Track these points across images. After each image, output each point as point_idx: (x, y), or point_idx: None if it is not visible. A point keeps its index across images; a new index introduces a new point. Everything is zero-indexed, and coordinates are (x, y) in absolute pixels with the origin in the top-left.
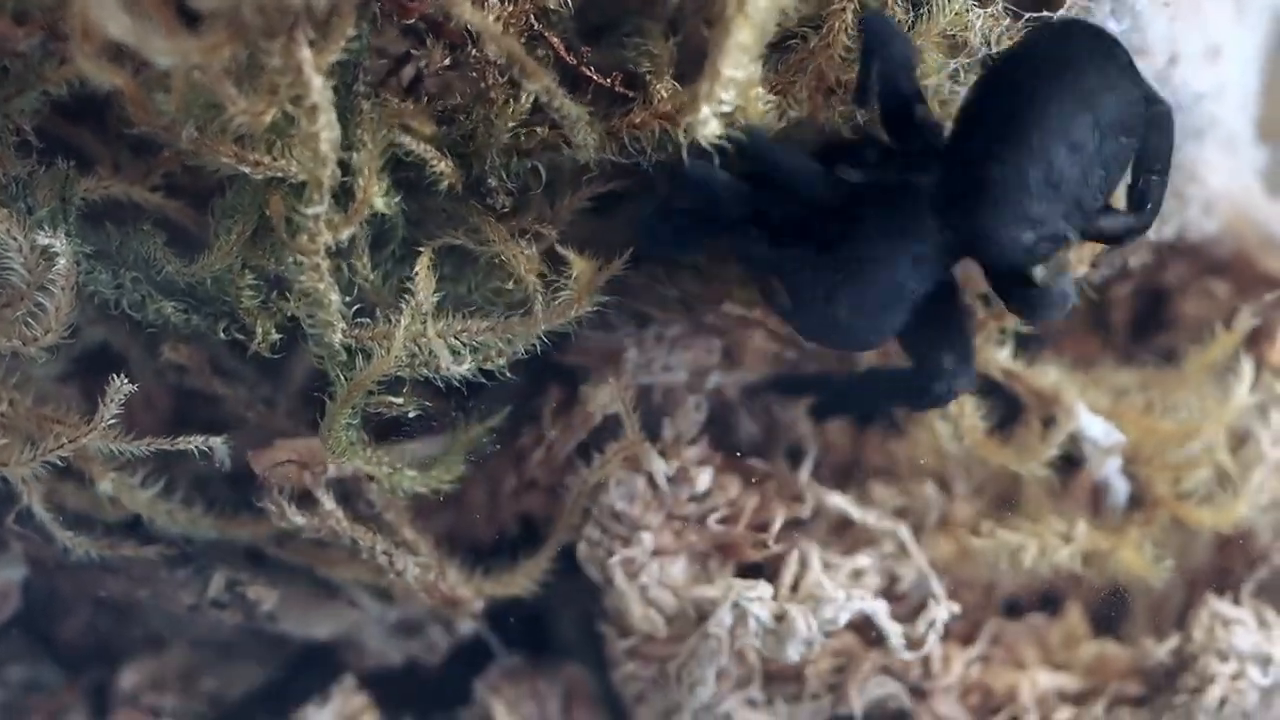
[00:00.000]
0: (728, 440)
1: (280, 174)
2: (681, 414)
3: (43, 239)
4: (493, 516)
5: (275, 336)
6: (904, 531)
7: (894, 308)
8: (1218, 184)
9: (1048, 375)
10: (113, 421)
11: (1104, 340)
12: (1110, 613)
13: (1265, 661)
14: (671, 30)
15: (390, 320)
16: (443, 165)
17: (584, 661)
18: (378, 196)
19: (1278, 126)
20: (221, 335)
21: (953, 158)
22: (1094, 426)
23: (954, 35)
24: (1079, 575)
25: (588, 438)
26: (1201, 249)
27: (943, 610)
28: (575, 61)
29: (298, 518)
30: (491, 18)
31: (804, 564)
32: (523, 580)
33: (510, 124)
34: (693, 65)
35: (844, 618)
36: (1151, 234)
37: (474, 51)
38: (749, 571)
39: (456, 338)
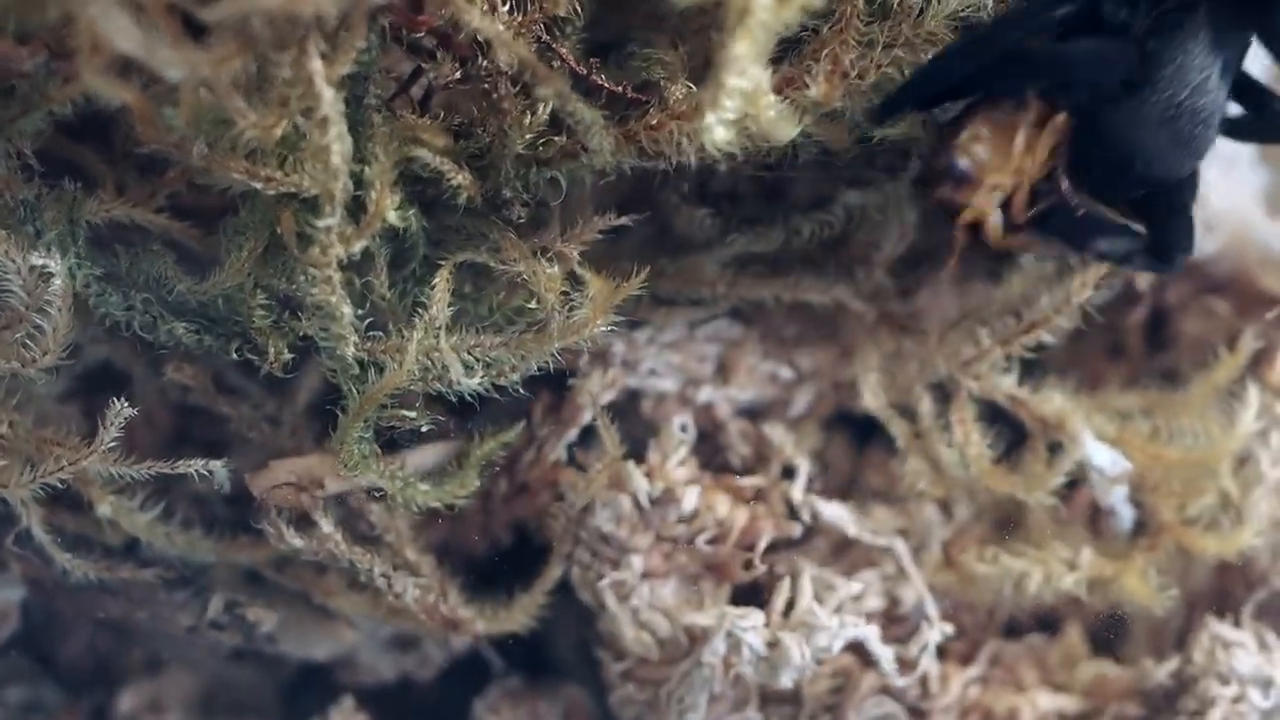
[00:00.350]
0: (718, 460)
1: (292, 188)
2: (667, 434)
3: (37, 259)
4: (486, 526)
5: (287, 356)
6: (900, 547)
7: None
8: (1218, 203)
9: (1053, 401)
10: (112, 444)
11: (1112, 360)
12: (1110, 634)
13: (1266, 684)
14: (679, 41)
15: (403, 334)
16: (460, 177)
17: (583, 683)
18: (391, 210)
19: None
20: (234, 355)
21: None
22: (1100, 454)
23: (966, 16)
24: (1080, 598)
25: (577, 441)
26: (1202, 268)
27: (935, 632)
28: (586, 71)
29: (296, 540)
30: (501, 27)
31: (797, 589)
32: (519, 616)
33: (525, 134)
34: (706, 69)
35: (837, 645)
36: None
37: (484, 63)
38: (743, 593)
39: (469, 352)
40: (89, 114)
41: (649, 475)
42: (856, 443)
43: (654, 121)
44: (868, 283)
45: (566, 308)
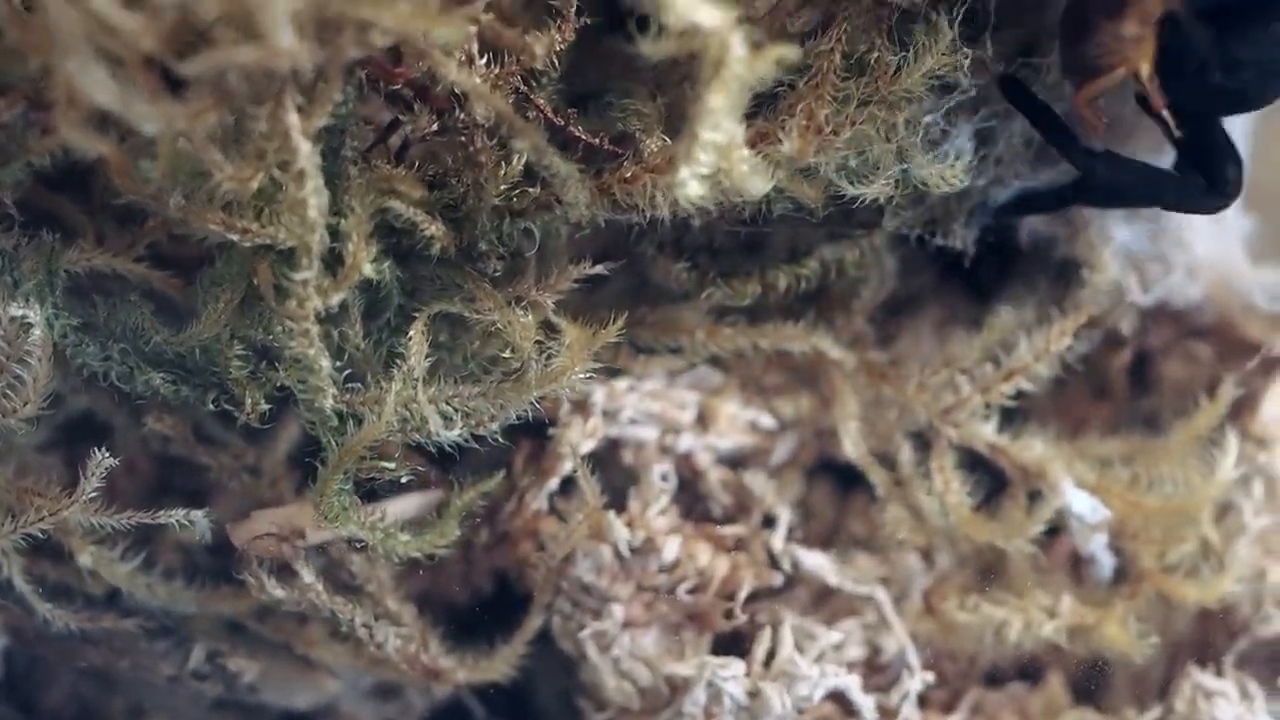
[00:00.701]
0: (699, 509)
1: (268, 241)
2: (648, 482)
3: (16, 310)
4: (467, 575)
5: (265, 407)
6: (881, 595)
7: None
8: (1202, 250)
9: (1033, 449)
10: (94, 494)
11: (1094, 403)
12: (1091, 683)
13: None
14: (658, 92)
15: (381, 386)
16: (433, 228)
17: None
18: (367, 262)
19: (1264, 194)
20: (210, 406)
21: None
22: (1080, 502)
23: (943, 76)
24: (1061, 646)
25: (558, 489)
26: (1185, 314)
27: (916, 681)
28: (563, 122)
29: (277, 590)
30: (478, 79)
31: (778, 638)
32: (501, 665)
33: (500, 186)
34: (683, 122)
35: (818, 694)
36: (1136, 300)
37: (461, 115)
38: (724, 642)
39: (448, 403)
40: (68, 165)
41: (629, 524)
42: (839, 489)
43: (628, 174)
44: (847, 330)
45: (543, 356)
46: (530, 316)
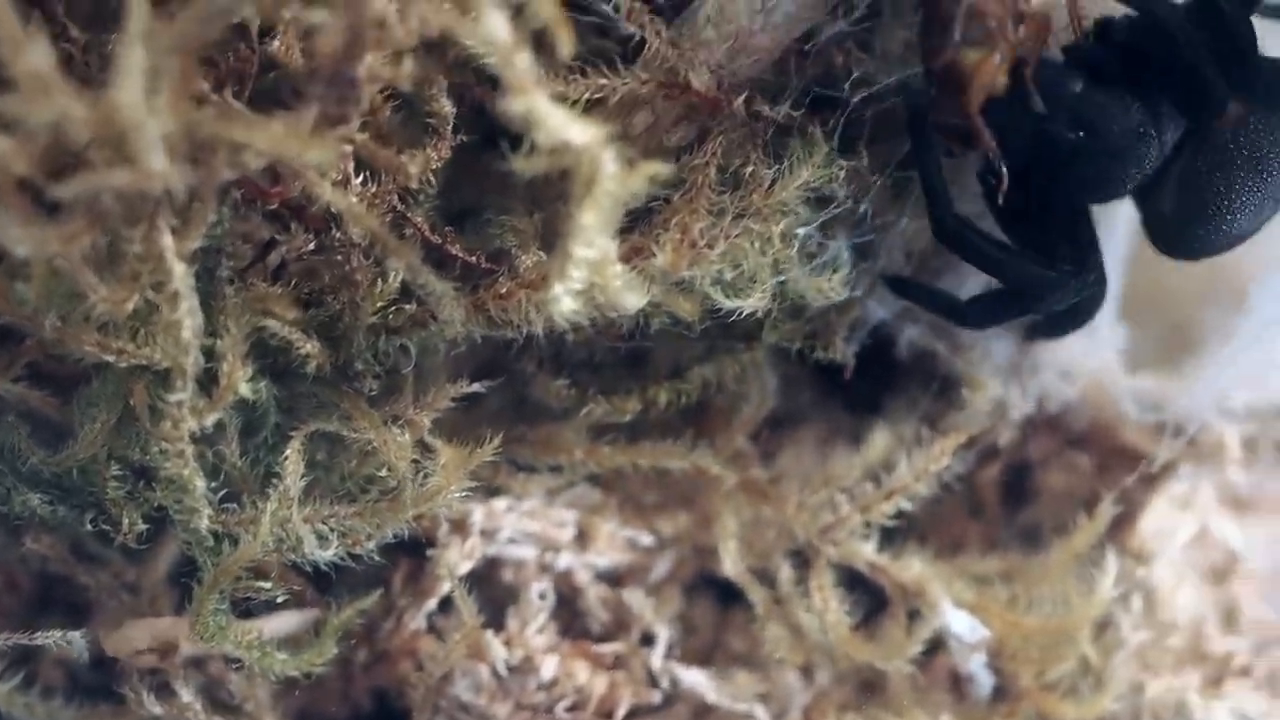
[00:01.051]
0: (577, 626)
1: (144, 361)
2: (526, 601)
3: None
4: (346, 693)
5: (141, 527)
6: (760, 712)
7: None
8: (1077, 352)
9: (912, 568)
10: None
11: (973, 519)
12: None
13: None
14: (534, 207)
15: (257, 506)
16: (308, 347)
17: None
18: (242, 382)
19: (1139, 302)
20: (89, 526)
21: None
22: (959, 622)
23: (818, 188)
24: None
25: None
26: (1062, 420)
27: None
28: (440, 240)
29: (156, 707)
30: (354, 199)
31: None
32: None
33: (376, 304)
34: (558, 237)
35: None
36: (1014, 408)
37: (337, 234)
38: None
39: (324, 522)
40: None
41: (508, 643)
42: (719, 605)
43: (504, 290)
44: (728, 447)
45: (419, 475)
46: (406, 435)
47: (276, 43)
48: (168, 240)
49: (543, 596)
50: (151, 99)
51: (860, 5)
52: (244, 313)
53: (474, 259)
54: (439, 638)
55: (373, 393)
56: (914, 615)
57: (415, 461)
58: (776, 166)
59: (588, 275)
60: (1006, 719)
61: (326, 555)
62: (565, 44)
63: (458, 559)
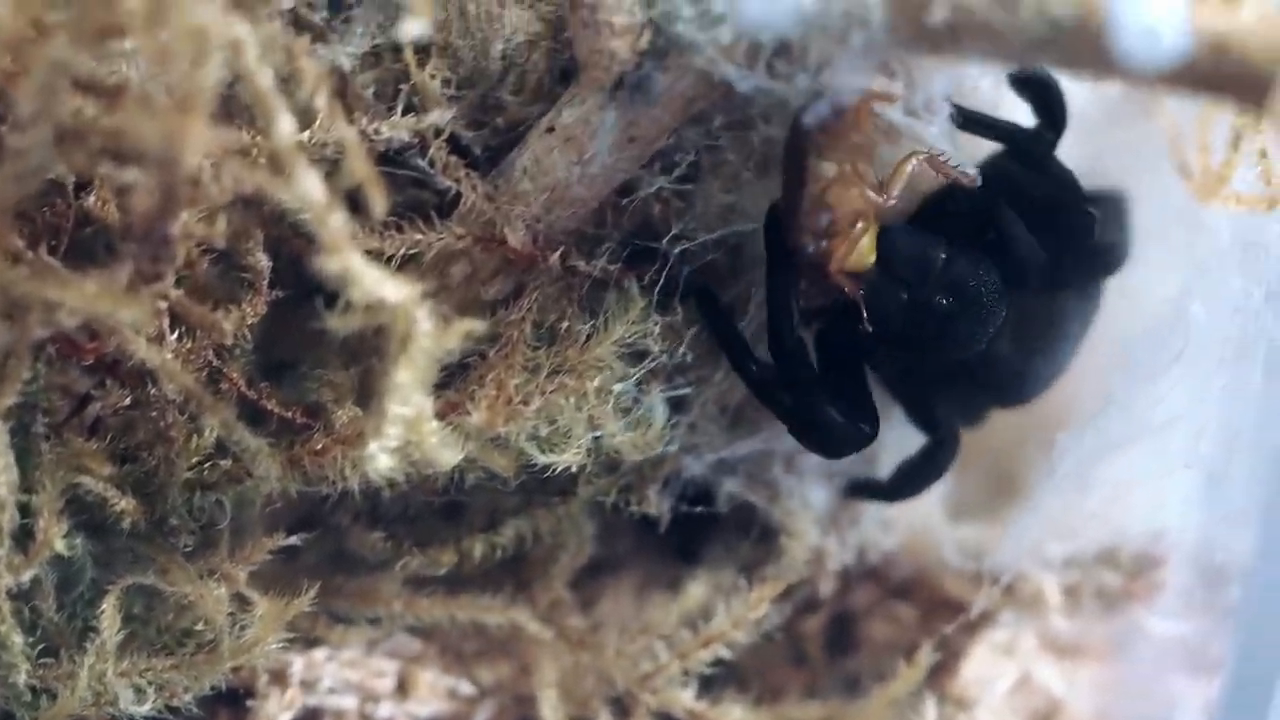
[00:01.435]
0: None
1: None
2: None
3: None
4: None
5: None
6: None
7: None
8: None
9: (732, 714)
10: None
11: (795, 668)
12: None
13: None
14: (350, 362)
15: (75, 661)
16: (123, 503)
17: None
18: (58, 538)
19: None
20: None
21: None
22: None
23: (633, 343)
24: None
25: None
26: (884, 570)
27: None
28: (256, 395)
29: None
30: (169, 355)
31: None
32: None
33: (192, 460)
34: (375, 393)
35: None
36: (835, 560)
37: (153, 390)
38: None
39: (141, 675)
40: None
41: None
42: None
43: (319, 446)
44: (546, 596)
45: (237, 627)
46: (223, 589)
47: (93, 198)
48: None
49: None
50: None
51: (682, 163)
52: (60, 468)
53: (290, 414)
54: None
55: (188, 548)
56: None
57: (232, 614)
58: (592, 321)
59: (403, 432)
60: None
61: (144, 710)
62: (378, 203)
63: (277, 710)
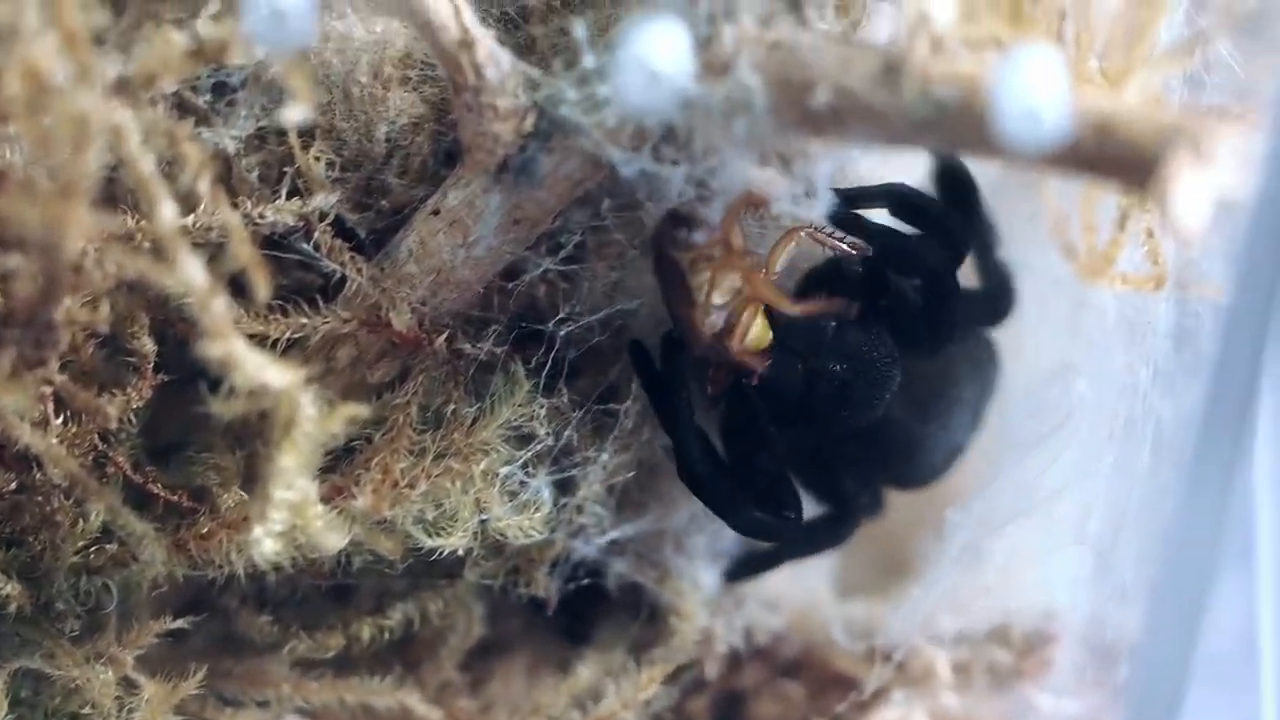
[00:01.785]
0: None
1: None
2: None
3: None
4: None
5: None
6: None
7: None
8: (782, 582)
9: None
10: None
11: None
12: None
13: None
14: (237, 445)
15: None
16: (9, 588)
17: None
18: None
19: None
20: None
21: None
22: None
23: (519, 426)
24: None
25: None
26: (772, 649)
27: None
28: (142, 479)
29: None
30: (54, 440)
31: None
32: None
33: (78, 544)
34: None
35: None
36: (720, 639)
37: (39, 474)
38: None
39: None
40: None
41: None
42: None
43: (205, 530)
44: (435, 677)
45: (124, 711)
46: (110, 672)
47: None
48: None
49: None
50: None
51: (567, 244)
52: None
53: (176, 497)
54: None
55: (75, 632)
56: None
57: (119, 698)
58: (479, 404)
59: (288, 516)
60: None
61: None
62: (261, 288)
63: None
